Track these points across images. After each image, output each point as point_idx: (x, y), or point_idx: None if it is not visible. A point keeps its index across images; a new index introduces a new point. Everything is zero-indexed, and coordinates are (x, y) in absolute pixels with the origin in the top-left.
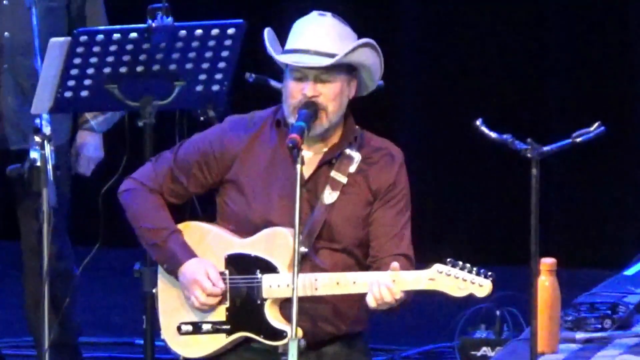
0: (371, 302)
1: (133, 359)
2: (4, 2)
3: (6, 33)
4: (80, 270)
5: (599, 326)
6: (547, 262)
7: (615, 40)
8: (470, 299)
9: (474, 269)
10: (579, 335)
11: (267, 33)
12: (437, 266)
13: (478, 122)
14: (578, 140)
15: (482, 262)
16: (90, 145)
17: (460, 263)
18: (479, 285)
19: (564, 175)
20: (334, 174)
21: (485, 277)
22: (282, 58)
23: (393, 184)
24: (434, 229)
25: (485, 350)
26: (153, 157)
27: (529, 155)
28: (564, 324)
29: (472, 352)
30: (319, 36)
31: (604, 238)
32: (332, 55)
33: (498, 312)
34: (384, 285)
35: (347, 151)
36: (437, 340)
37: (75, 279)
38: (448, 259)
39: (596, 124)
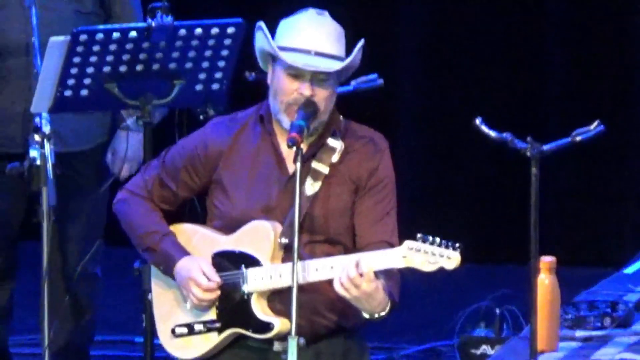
0: (339, 289)
1: (133, 357)
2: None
3: (33, 37)
4: (79, 268)
5: (599, 324)
6: (547, 261)
7: (615, 39)
8: (469, 297)
9: (443, 242)
10: (579, 333)
11: (264, 26)
12: (408, 243)
13: (477, 121)
14: (577, 139)
15: (482, 260)
16: (124, 145)
17: (430, 237)
18: (447, 258)
19: (564, 173)
20: (315, 164)
21: (454, 249)
22: (287, 57)
23: (375, 172)
24: (433, 227)
25: (484, 348)
26: (144, 165)
27: (528, 154)
28: (564, 323)
29: (472, 351)
30: (321, 37)
31: (604, 237)
32: (333, 57)
33: (498, 311)
34: (346, 277)
35: (330, 141)
36: (436, 338)
37: (99, 283)
38: (418, 235)
39: (595, 123)
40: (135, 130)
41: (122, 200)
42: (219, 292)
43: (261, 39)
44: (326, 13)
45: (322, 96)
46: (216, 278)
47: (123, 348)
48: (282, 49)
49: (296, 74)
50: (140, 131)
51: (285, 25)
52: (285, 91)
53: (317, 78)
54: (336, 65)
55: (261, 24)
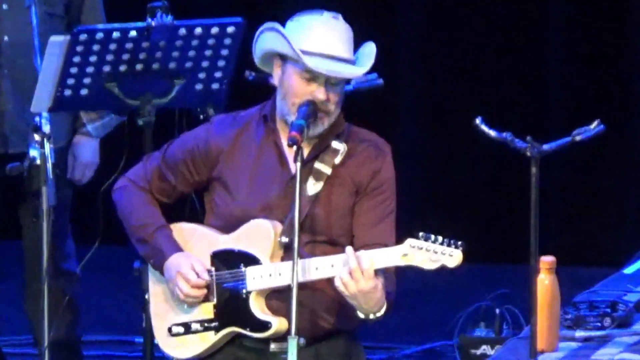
0: (339, 284)
1: (132, 357)
2: (4, 6)
3: (5, 37)
4: (79, 268)
5: (599, 324)
6: (547, 260)
7: (615, 38)
8: (469, 297)
9: (445, 240)
10: (579, 333)
11: (281, 28)
12: (410, 241)
13: (478, 121)
14: (578, 138)
15: (482, 260)
16: (86, 151)
17: (433, 236)
18: (449, 256)
19: (564, 173)
20: (317, 165)
21: (456, 247)
22: (309, 61)
23: (376, 175)
24: (433, 227)
25: (484, 348)
26: (146, 155)
27: (528, 153)
28: (564, 322)
29: (472, 351)
30: (338, 42)
31: (604, 236)
32: (347, 61)
33: (498, 311)
34: (347, 270)
35: (334, 144)
36: (436, 338)
37: (77, 279)
38: (420, 233)
39: (596, 122)
40: (94, 136)
41: (122, 188)
42: (205, 291)
43: (274, 40)
44: (340, 16)
45: (335, 100)
46: (205, 276)
47: (123, 348)
48: (302, 52)
49: (311, 77)
50: (98, 138)
51: (299, 28)
52: (298, 94)
53: (329, 82)
54: (356, 71)
55: (276, 25)
